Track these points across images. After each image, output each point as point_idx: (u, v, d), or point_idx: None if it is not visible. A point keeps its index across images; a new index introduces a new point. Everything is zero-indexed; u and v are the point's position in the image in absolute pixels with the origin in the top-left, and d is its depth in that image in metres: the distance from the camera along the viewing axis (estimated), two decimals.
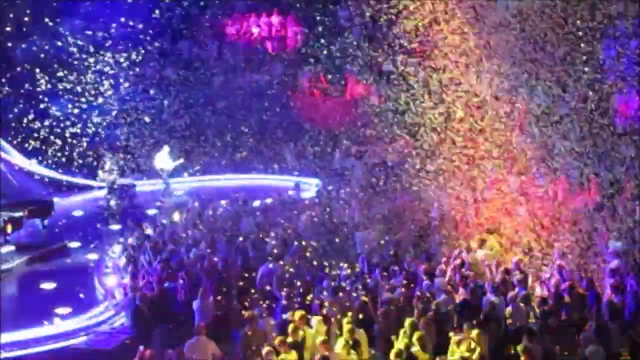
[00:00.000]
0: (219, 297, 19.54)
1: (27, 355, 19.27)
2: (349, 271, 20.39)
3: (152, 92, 33.36)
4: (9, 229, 24.91)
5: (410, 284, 19.11)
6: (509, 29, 21.87)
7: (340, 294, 18.70)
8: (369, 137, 27.37)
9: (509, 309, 17.76)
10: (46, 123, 31.55)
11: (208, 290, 19.40)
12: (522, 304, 17.81)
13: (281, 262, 20.91)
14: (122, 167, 30.86)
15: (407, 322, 16.76)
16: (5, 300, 22.26)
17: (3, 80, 31.74)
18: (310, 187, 29.39)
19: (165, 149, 30.14)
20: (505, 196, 22.13)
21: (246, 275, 20.84)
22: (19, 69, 32.22)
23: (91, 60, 32.62)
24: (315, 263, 21.34)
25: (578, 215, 21.37)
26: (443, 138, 23.00)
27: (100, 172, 30.05)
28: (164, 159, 29.80)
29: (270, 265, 20.67)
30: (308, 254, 21.82)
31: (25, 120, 31.48)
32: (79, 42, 32.35)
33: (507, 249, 21.33)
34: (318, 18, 33.85)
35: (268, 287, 20.13)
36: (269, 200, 27.02)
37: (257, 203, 27.04)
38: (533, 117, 21.57)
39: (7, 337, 19.58)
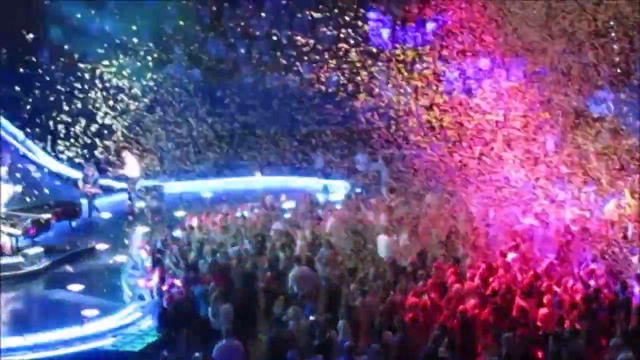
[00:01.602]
0: (246, 300, 19.50)
1: (55, 357, 19.23)
2: (376, 275, 20.19)
3: (179, 92, 33.38)
4: (36, 230, 24.91)
5: (437, 288, 18.93)
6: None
7: (368, 297, 18.58)
8: (398, 140, 27.24)
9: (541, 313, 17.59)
10: (75, 124, 31.62)
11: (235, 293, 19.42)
12: (555, 309, 17.61)
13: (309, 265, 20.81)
14: (147, 167, 30.84)
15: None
16: (33, 301, 22.34)
17: (32, 80, 31.90)
18: (339, 189, 29.26)
19: (132, 155, 29.90)
20: (536, 200, 22.05)
21: (275, 277, 20.74)
22: (45, 69, 32.52)
23: (121, 60, 32.76)
24: (343, 266, 21.22)
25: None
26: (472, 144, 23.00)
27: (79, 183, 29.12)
28: (132, 166, 29.62)
29: (299, 268, 20.54)
30: (336, 257, 21.69)
31: (54, 122, 31.55)
32: (106, 43, 32.47)
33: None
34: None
35: (296, 290, 20.04)
36: (298, 203, 26.90)
37: (286, 205, 26.96)
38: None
39: (35, 338, 19.58)
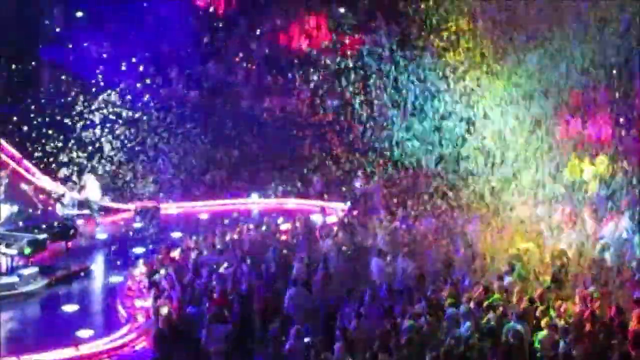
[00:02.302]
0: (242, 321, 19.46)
1: None
2: (372, 297, 20.13)
3: (177, 114, 33.48)
4: (31, 251, 24.87)
5: (433, 311, 18.89)
6: None
7: (364, 320, 18.53)
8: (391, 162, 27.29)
9: (539, 337, 17.54)
10: (71, 145, 31.65)
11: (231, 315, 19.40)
12: (551, 333, 17.56)
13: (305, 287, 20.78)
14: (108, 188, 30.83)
15: None
16: (28, 322, 22.28)
17: (28, 101, 32.01)
18: (336, 211, 29.26)
19: (92, 178, 29.85)
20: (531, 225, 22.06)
21: (270, 299, 20.69)
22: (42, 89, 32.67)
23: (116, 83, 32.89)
24: (339, 288, 21.17)
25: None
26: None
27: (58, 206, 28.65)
28: (93, 189, 29.53)
29: (293, 290, 20.49)
30: (332, 279, 21.65)
31: (50, 142, 31.57)
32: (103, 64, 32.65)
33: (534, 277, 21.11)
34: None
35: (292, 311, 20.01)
36: (294, 224, 26.87)
37: (283, 227, 26.94)
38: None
39: (29, 359, 19.52)
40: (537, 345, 17.57)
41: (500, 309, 18.64)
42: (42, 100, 32.49)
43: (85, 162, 31.32)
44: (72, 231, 26.94)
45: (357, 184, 30.15)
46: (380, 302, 19.74)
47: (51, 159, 31.22)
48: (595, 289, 19.42)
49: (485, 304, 18.92)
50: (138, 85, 33.34)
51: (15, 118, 31.57)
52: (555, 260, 21.37)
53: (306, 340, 17.85)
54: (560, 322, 18.01)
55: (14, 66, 33.10)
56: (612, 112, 22.29)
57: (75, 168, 30.91)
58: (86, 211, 28.81)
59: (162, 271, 22.78)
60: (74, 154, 31.41)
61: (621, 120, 22.19)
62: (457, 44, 23.82)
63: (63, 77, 33.54)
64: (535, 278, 20.92)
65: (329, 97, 33.65)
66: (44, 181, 30.31)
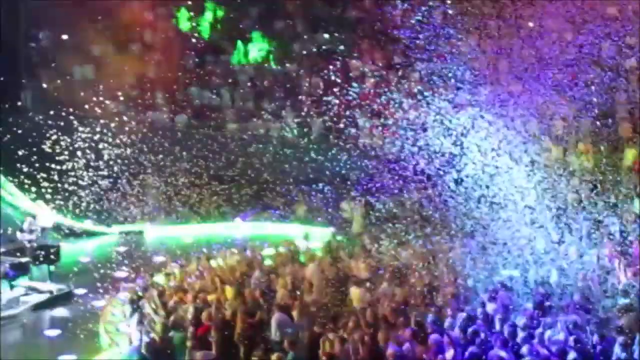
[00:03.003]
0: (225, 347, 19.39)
1: None
2: (355, 323, 20.10)
3: (162, 140, 33.55)
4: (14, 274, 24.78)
5: (417, 337, 18.86)
6: None
7: (347, 345, 18.49)
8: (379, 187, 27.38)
9: None
10: (55, 168, 31.62)
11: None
12: None
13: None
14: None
15: None
16: (10, 347, 22.14)
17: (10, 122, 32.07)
18: (320, 236, 29.27)
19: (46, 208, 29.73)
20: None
21: (253, 324, 20.63)
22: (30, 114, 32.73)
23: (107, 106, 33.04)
24: (323, 314, 21.15)
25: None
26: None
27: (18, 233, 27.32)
28: (46, 216, 29.35)
29: (277, 315, 20.45)
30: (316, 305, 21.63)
31: (32, 165, 31.52)
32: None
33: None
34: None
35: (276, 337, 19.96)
36: (279, 249, 26.87)
37: (266, 252, 26.91)
38: None
39: None
40: None
41: (483, 335, 18.66)
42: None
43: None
44: (54, 254, 26.84)
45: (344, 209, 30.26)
46: (364, 328, 19.73)
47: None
48: None
49: (470, 330, 18.93)
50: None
51: None
52: (538, 287, 21.44)
53: None
54: (543, 351, 18.03)
55: None
56: None
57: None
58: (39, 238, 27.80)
59: (146, 295, 22.70)
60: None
61: None
62: None
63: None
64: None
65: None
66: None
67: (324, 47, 36.12)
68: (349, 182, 30.79)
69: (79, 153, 31.70)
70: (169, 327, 20.31)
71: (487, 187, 23.62)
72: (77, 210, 31.32)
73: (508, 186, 22.96)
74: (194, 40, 36.83)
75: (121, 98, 34.14)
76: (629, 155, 26.27)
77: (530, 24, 24.51)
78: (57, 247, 27.40)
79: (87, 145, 31.83)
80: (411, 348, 18.24)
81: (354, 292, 22.31)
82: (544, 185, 23.07)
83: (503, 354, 17.62)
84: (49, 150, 31.32)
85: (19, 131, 31.82)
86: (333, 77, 32.74)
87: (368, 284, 22.48)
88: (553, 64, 23.59)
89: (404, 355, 17.95)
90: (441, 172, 24.15)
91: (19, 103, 34.22)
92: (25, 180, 30.97)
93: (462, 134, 23.81)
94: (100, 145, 31.94)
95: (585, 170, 24.82)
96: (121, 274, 26.77)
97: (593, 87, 23.90)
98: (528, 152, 23.21)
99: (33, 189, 30.65)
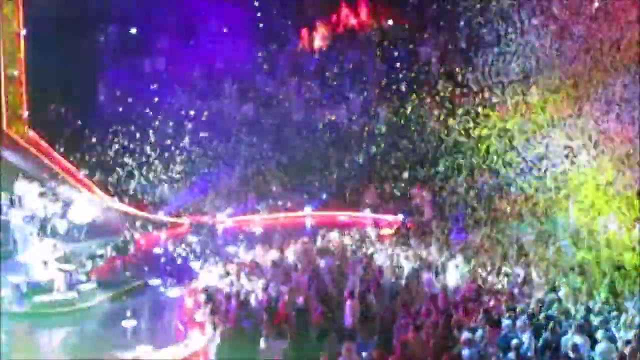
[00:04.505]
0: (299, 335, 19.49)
1: None
2: (428, 309, 20.11)
3: (231, 129, 33.83)
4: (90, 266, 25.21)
5: (490, 323, 18.78)
6: None
7: (421, 332, 18.50)
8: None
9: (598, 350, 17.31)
10: (128, 160, 32.12)
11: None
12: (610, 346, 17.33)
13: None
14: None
15: None
16: (87, 337, 22.48)
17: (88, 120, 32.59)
18: (390, 224, 29.29)
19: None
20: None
21: (326, 312, 20.71)
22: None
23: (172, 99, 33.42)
24: (395, 300, 21.18)
25: None
26: None
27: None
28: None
29: (350, 302, 20.52)
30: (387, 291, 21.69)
31: (107, 157, 32.06)
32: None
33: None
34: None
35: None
36: (347, 237, 26.94)
37: (336, 239, 27.01)
38: None
39: None
40: (596, 358, 17.31)
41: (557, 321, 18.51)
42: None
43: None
44: (129, 246, 27.23)
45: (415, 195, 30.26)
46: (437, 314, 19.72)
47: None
48: None
49: (542, 315, 18.81)
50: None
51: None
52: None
53: (364, 354, 17.83)
54: (620, 334, 17.83)
55: None
56: None
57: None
58: None
59: (219, 285, 22.93)
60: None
61: None
62: None
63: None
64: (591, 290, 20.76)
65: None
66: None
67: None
68: (418, 170, 30.73)
69: (151, 145, 32.24)
70: (242, 316, 20.48)
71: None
72: (150, 203, 31.77)
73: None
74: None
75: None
76: None
77: None
78: (131, 239, 27.83)
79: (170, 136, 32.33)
80: (484, 334, 18.18)
81: (426, 277, 22.32)
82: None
83: (578, 339, 17.44)
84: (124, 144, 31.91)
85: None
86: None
87: (438, 270, 22.47)
88: None
89: (477, 342, 17.90)
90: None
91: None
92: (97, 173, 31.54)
93: None
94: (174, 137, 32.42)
95: None
96: (194, 264, 27.00)
97: None
98: None
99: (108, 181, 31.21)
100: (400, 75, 34.09)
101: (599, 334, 17.54)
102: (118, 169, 32.21)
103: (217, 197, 32.78)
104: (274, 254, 25.22)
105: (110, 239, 27.52)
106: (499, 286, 21.82)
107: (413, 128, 32.42)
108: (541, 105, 22.73)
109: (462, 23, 27.43)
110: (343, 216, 31.78)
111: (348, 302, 20.47)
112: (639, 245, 21.56)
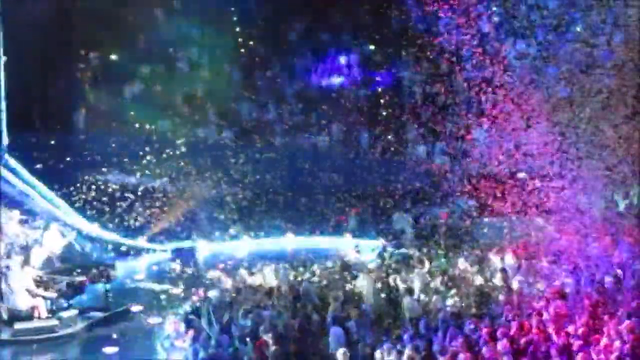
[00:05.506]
0: None
1: None
2: (410, 334, 20.17)
3: (212, 154, 33.78)
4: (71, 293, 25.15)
5: (471, 347, 18.85)
6: None
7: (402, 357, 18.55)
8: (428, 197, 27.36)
9: None
10: (107, 186, 32.04)
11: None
12: None
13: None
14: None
15: None
16: None
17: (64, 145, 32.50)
18: (372, 249, 29.30)
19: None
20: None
21: (307, 338, 20.75)
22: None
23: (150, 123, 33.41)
24: (375, 326, 21.24)
25: None
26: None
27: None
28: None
29: (333, 329, 20.55)
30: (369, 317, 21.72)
31: (86, 184, 31.96)
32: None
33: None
34: None
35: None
36: (329, 263, 26.97)
37: (316, 266, 27.02)
38: None
39: None
40: None
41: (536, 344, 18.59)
42: None
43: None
44: (110, 272, 27.16)
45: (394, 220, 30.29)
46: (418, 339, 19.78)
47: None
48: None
49: (522, 340, 18.88)
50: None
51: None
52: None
53: None
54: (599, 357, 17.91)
55: None
56: None
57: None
58: None
59: (200, 311, 22.91)
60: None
61: None
62: None
63: None
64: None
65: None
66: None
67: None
68: (399, 195, 30.79)
69: (129, 171, 32.16)
70: (225, 343, 20.49)
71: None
72: (130, 228, 31.67)
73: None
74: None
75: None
76: None
77: None
78: (112, 265, 27.78)
79: (138, 162, 32.26)
80: (465, 358, 18.24)
81: (407, 302, 22.37)
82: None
83: None
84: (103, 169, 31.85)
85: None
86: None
87: (421, 295, 22.54)
88: None
89: None
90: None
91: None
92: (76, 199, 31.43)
93: None
94: (152, 163, 32.34)
95: None
96: (175, 290, 26.96)
97: None
98: None
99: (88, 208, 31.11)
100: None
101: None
102: (99, 195, 32.04)
103: (198, 222, 32.69)
104: (255, 279, 25.22)
105: (90, 265, 27.35)
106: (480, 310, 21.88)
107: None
108: None
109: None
110: (324, 241, 31.75)
111: (332, 329, 20.53)
112: None
